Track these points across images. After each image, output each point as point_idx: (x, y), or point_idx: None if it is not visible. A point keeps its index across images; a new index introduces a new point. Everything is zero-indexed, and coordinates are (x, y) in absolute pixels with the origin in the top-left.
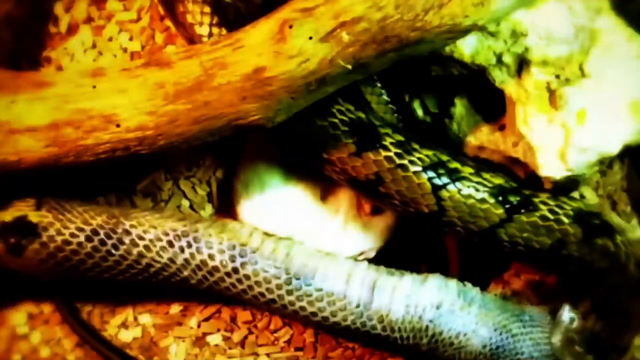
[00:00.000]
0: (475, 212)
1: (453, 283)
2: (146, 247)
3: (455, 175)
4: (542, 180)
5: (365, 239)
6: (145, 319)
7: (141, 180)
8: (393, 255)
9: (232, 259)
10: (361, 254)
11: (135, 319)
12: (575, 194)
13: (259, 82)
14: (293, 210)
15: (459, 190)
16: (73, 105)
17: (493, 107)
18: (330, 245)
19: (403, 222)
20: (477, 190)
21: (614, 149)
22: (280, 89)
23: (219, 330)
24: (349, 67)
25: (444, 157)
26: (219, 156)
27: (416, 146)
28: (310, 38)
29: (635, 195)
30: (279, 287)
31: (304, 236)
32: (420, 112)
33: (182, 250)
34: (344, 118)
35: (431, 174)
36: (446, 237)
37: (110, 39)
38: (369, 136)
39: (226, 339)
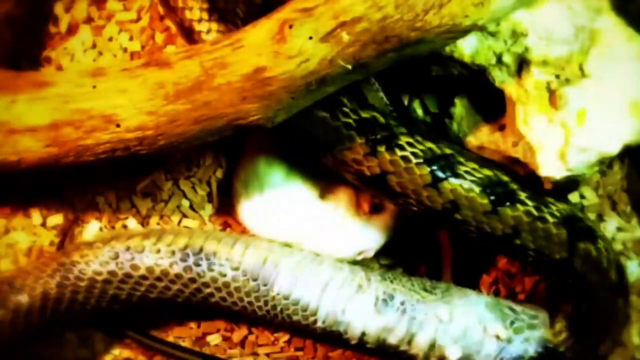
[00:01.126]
0: (602, 266)
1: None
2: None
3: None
4: (542, 180)
5: (364, 238)
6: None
7: (141, 180)
8: (392, 254)
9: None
10: (360, 253)
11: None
12: (575, 194)
13: (259, 82)
14: (293, 210)
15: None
16: (73, 105)
17: (493, 107)
18: (329, 245)
19: (402, 222)
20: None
21: (614, 149)
22: (280, 89)
23: (218, 330)
24: (349, 67)
25: (579, 214)
26: (219, 156)
27: (551, 200)
28: (310, 38)
29: (635, 195)
30: (266, 302)
31: (303, 235)
32: (420, 112)
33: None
34: (474, 179)
35: (568, 226)
36: (441, 235)
37: (110, 39)
38: (504, 194)
39: (226, 339)
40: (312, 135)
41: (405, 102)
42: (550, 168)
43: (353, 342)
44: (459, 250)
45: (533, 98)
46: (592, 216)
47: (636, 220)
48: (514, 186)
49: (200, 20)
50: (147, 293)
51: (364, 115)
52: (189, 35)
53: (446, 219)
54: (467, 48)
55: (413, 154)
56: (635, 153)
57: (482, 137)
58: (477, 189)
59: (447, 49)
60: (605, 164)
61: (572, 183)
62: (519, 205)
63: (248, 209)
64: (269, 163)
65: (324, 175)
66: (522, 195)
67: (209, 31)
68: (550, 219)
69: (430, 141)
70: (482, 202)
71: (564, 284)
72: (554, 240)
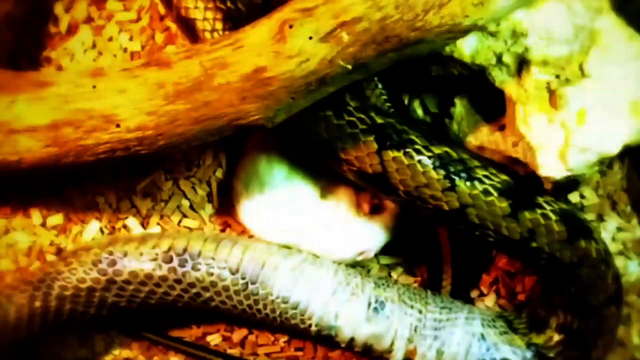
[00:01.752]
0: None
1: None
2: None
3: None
4: (542, 180)
5: (365, 238)
6: None
7: (141, 180)
8: (392, 254)
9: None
10: (360, 253)
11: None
12: (575, 194)
13: (259, 82)
14: (293, 210)
15: None
16: (73, 105)
17: (493, 107)
18: (329, 245)
19: (402, 222)
20: None
21: (614, 149)
22: (280, 89)
23: (219, 330)
24: (349, 67)
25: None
26: (219, 156)
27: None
28: (310, 38)
29: (635, 195)
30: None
31: (303, 235)
32: (420, 112)
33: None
34: (553, 208)
35: (618, 284)
36: (441, 235)
37: (110, 39)
38: (580, 226)
39: (226, 338)
40: (387, 174)
41: (406, 102)
42: (550, 168)
43: (342, 345)
44: (459, 250)
45: (533, 98)
46: (592, 216)
47: (636, 220)
48: (592, 225)
49: (203, 19)
50: (147, 299)
51: (437, 151)
52: (191, 32)
53: (522, 247)
54: (467, 48)
55: (492, 186)
56: (635, 153)
57: (482, 137)
58: (554, 217)
59: (447, 49)
60: (605, 164)
61: (572, 183)
62: (593, 242)
63: (248, 209)
64: (269, 163)
65: (325, 175)
66: (598, 234)
67: (205, 19)
68: (612, 269)
69: (504, 173)
70: (560, 230)
71: (571, 319)
72: (605, 286)
